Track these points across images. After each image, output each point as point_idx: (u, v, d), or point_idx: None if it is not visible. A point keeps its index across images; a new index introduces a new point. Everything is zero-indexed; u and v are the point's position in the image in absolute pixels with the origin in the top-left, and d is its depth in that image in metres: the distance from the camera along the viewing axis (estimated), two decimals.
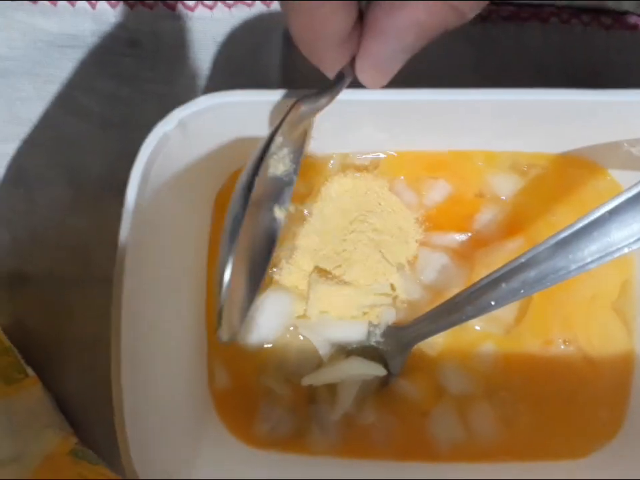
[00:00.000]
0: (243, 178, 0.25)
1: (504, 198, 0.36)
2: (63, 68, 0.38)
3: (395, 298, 0.35)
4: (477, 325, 0.35)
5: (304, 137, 0.29)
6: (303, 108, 0.26)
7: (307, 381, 0.34)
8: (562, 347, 0.35)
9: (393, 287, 0.35)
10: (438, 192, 0.36)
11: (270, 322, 0.34)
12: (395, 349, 0.34)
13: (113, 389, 0.27)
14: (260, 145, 0.25)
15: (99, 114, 0.38)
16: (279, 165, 0.27)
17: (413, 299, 0.35)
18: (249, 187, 0.24)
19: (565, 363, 0.35)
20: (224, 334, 0.26)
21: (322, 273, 0.34)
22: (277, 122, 0.25)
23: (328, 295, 0.33)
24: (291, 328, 0.35)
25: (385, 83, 0.25)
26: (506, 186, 0.36)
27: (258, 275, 0.28)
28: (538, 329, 0.35)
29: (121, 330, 0.27)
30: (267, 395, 0.35)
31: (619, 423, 0.35)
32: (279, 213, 0.28)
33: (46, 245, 0.38)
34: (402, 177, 0.35)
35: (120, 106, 0.38)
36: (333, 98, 0.26)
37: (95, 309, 0.36)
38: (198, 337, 0.35)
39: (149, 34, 0.38)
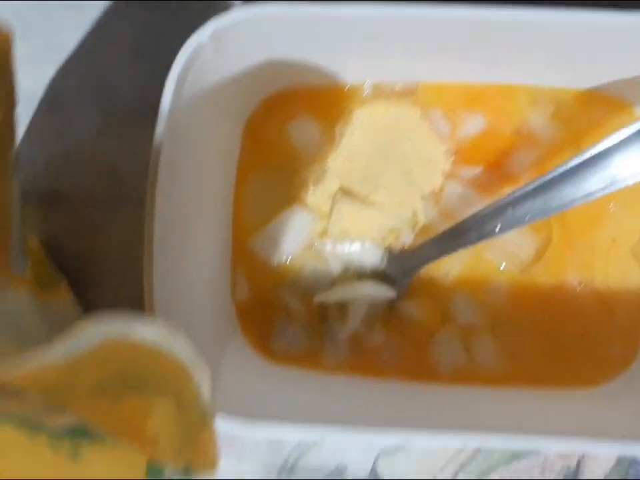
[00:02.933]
0: None
1: (539, 138, 0.36)
2: None
3: (415, 225, 0.35)
4: (498, 260, 0.36)
5: None
6: None
7: (319, 298, 0.35)
8: (577, 288, 0.36)
9: (415, 214, 0.35)
10: (473, 125, 0.36)
11: (291, 238, 0.35)
12: (399, 273, 0.35)
13: (146, 300, 0.28)
14: None
15: (132, 41, 0.39)
16: None
17: (432, 228, 0.35)
18: None
19: (579, 303, 0.36)
20: None
21: (347, 193, 0.35)
22: None
23: (350, 214, 0.34)
24: (313, 248, 0.36)
25: None
26: (543, 126, 0.36)
27: None
28: (554, 270, 0.36)
29: (154, 237, 0.28)
30: (283, 310, 0.36)
31: (632, 357, 0.35)
32: None
33: (79, 165, 0.39)
34: (437, 107, 0.36)
35: (153, 33, 0.39)
36: None
37: (126, 228, 0.38)
38: (223, 250, 0.36)
39: None
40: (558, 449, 0.36)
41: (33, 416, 0.24)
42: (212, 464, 0.17)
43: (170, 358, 0.18)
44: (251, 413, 0.29)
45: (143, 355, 0.18)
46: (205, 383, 0.17)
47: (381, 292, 0.35)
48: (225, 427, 0.28)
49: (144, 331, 0.17)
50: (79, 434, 0.24)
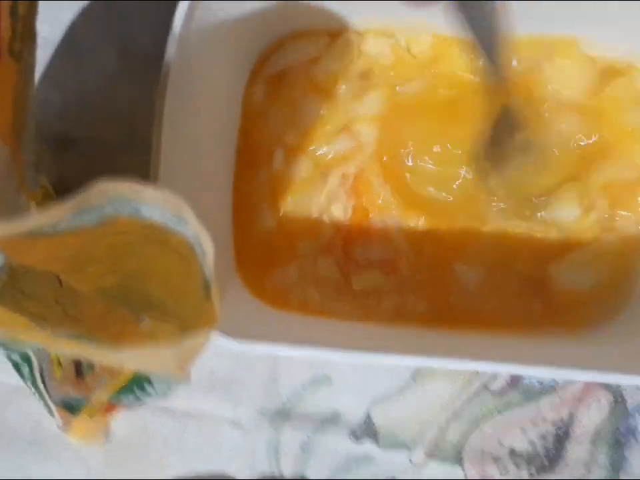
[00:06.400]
0: None
1: None
2: None
3: None
4: None
5: None
6: None
7: None
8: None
9: None
10: None
11: None
12: None
13: None
14: None
15: None
16: None
17: None
18: None
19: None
20: None
21: None
22: None
23: None
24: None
25: None
26: None
27: None
28: None
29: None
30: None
31: (623, 303, 0.35)
32: None
33: (93, 110, 0.40)
34: None
35: None
36: None
37: (138, 174, 0.38)
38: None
39: None
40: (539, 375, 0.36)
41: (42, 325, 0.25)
42: (211, 324, 0.17)
43: (175, 235, 0.19)
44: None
45: (149, 232, 0.19)
46: (208, 255, 0.17)
47: None
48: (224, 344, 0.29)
49: (151, 198, 0.17)
50: (79, 338, 0.25)
